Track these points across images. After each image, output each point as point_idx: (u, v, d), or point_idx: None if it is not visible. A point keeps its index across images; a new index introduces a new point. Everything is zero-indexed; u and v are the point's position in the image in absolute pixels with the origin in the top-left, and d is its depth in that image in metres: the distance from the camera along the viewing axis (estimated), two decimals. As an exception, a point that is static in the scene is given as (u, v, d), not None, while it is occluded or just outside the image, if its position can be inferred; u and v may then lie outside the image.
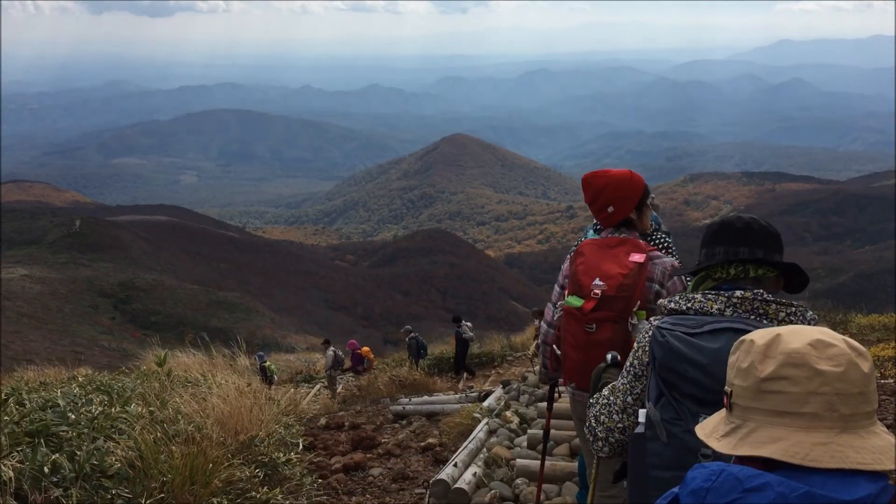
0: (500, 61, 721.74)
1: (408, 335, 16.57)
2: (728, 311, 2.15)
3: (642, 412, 2.19)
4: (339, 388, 15.99)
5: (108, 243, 69.08)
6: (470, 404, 8.56)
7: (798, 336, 1.43)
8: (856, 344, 1.42)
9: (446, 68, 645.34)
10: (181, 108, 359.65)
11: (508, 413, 7.67)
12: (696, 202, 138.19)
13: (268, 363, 16.19)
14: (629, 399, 2.41)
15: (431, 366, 15.96)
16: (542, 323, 3.72)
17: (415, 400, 9.76)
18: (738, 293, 2.18)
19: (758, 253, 2.32)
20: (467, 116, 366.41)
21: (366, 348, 16.70)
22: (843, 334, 1.41)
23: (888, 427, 5.42)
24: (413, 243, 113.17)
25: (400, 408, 9.34)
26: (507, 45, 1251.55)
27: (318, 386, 17.05)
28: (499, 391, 9.18)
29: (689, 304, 2.24)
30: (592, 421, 2.55)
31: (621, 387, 2.44)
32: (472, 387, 12.36)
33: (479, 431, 6.93)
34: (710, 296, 2.22)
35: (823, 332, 1.44)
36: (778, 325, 2.02)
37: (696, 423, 1.85)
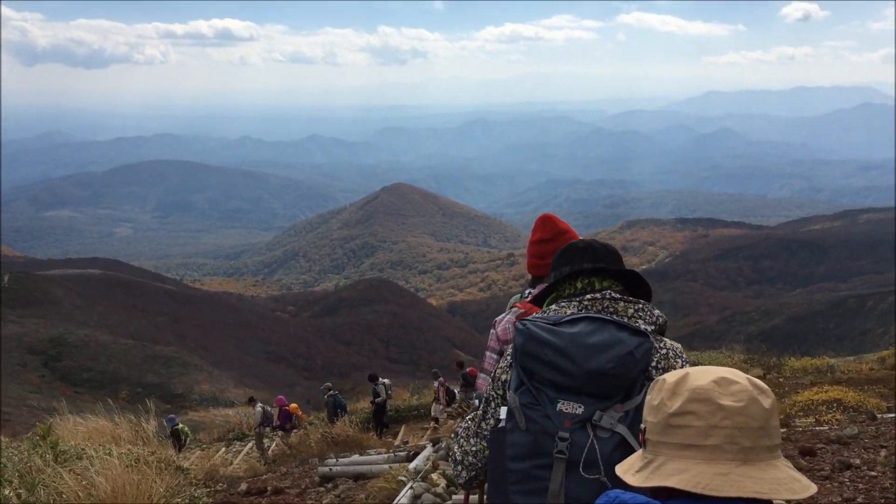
0: (440, 111, 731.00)
1: (326, 392, 16.30)
2: (582, 314, 2.21)
3: (503, 409, 2.20)
4: (273, 446, 15.67)
5: (39, 298, 66.93)
6: (398, 465, 8.25)
7: (705, 374, 1.53)
8: (759, 382, 1.51)
9: (387, 118, 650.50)
10: (117, 159, 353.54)
11: (435, 475, 7.29)
12: (633, 248, 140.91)
13: (180, 426, 15.57)
14: (483, 424, 2.42)
15: (367, 420, 15.69)
16: (475, 395, 3.50)
17: (342, 460, 9.38)
18: (588, 296, 2.29)
19: (600, 266, 2.42)
20: (408, 166, 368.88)
21: (294, 405, 16.27)
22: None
23: (823, 479, 5.48)
24: (355, 293, 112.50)
25: (327, 469, 8.96)
26: (446, 95, 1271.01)
27: (249, 444, 16.65)
28: (428, 450, 8.80)
29: (544, 314, 2.31)
30: (455, 447, 2.56)
31: (480, 412, 2.46)
32: (406, 442, 12.15)
33: (403, 497, 6.62)
34: (563, 303, 2.32)
35: (729, 371, 1.53)
36: (627, 321, 2.18)
37: (554, 409, 1.97)
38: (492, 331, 3.38)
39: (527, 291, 4.00)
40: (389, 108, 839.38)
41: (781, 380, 12.33)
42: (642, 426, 1.59)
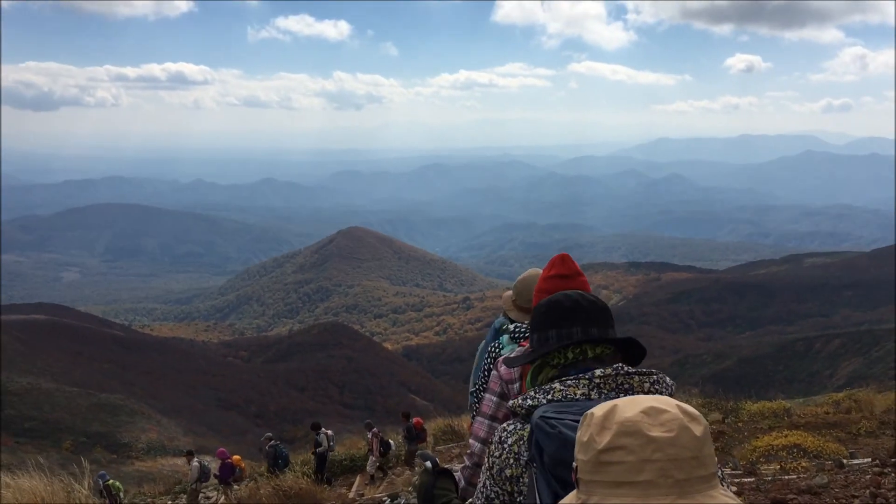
0: (395, 156, 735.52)
1: (267, 443, 15.65)
2: (594, 394, 2.02)
3: None
4: (218, 501, 15.15)
5: (-20, 345, 64.73)
6: None
7: (633, 405, 1.45)
8: (689, 409, 1.45)
9: (342, 162, 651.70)
10: (64, 202, 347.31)
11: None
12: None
13: (111, 481, 14.91)
14: None
15: (346, 469, 15.33)
16: (472, 444, 3.22)
17: None
18: (598, 372, 2.07)
19: (592, 332, 2.22)
20: (363, 210, 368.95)
21: (237, 457, 15.51)
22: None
23: None
24: (309, 337, 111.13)
25: None
26: (401, 140, 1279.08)
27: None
28: None
29: (549, 396, 2.07)
30: None
31: None
32: (363, 494, 11.66)
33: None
34: (569, 382, 2.08)
35: (658, 400, 1.46)
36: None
37: None
38: (493, 371, 3.20)
39: (496, 346, 3.91)
40: (345, 152, 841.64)
41: (740, 424, 12.30)
42: (574, 464, 1.52)
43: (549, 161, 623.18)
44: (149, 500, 16.57)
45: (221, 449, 16.35)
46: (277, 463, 15.03)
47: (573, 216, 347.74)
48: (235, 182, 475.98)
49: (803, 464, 8.27)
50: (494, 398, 3.15)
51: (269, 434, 16.47)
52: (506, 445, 2.12)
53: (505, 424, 2.18)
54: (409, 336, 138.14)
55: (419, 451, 2.54)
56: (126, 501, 15.74)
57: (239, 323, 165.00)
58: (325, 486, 13.47)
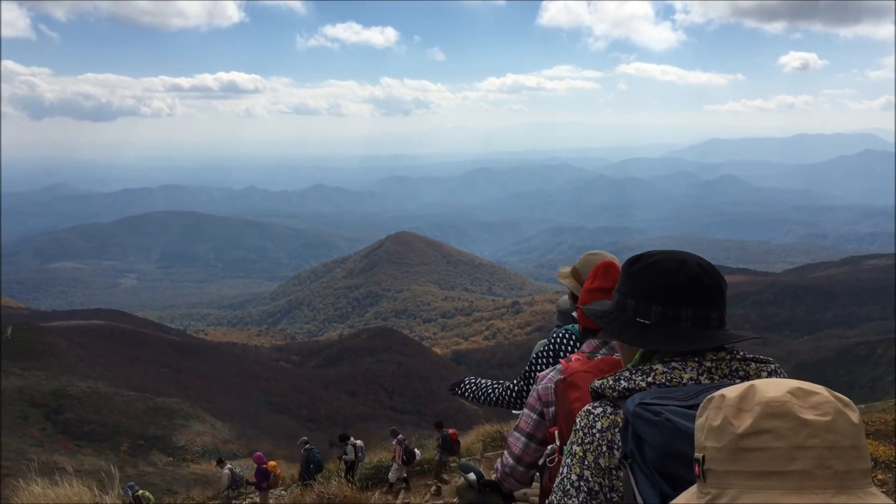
0: (443, 160, 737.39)
1: (303, 447, 15.62)
2: (704, 379, 1.71)
3: None
4: None
5: (41, 350, 66.64)
6: None
7: (775, 385, 1.26)
8: (838, 394, 1.25)
9: (390, 168, 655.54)
10: (122, 210, 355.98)
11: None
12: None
13: (140, 492, 15.01)
14: None
15: (369, 476, 15.12)
16: (506, 458, 2.98)
17: None
18: (709, 356, 1.75)
19: (711, 318, 1.83)
20: (412, 214, 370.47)
21: (272, 462, 15.34)
22: None
23: None
24: (359, 342, 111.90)
25: None
26: (449, 144, 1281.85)
27: None
28: None
29: (649, 378, 1.75)
30: None
31: None
32: (408, 503, 11.50)
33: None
34: (674, 364, 1.76)
35: (801, 382, 1.27)
36: None
37: None
38: (533, 387, 2.96)
39: (559, 334, 3.70)
40: (393, 158, 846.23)
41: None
42: (697, 455, 1.28)
43: (598, 163, 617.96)
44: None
45: (258, 453, 16.40)
46: (310, 468, 15.01)
47: (623, 219, 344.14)
48: (286, 189, 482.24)
49: (879, 476, 7.87)
50: (534, 416, 2.89)
51: (304, 438, 16.50)
52: (595, 431, 1.80)
53: (591, 406, 1.85)
54: (458, 340, 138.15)
55: (461, 462, 2.27)
56: None
57: (290, 328, 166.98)
58: (370, 493, 13.44)
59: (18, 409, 49.50)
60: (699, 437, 1.30)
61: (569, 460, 1.83)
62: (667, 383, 1.72)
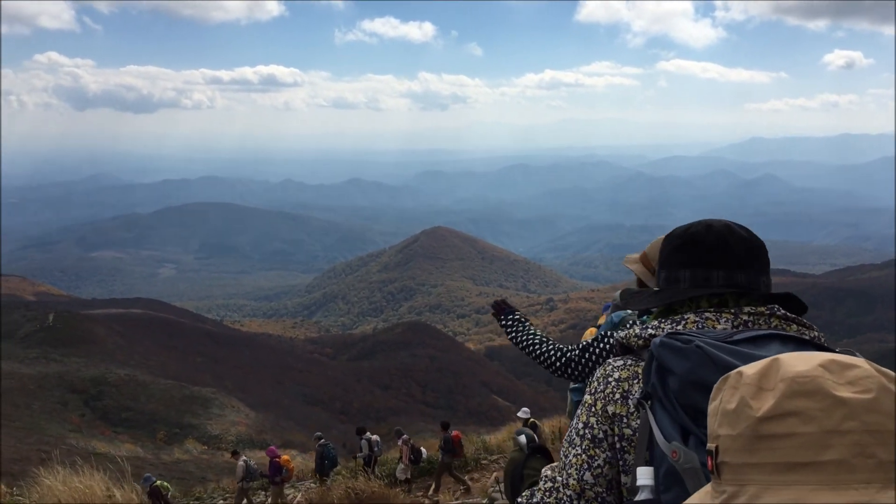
0: (480, 156, 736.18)
1: (317, 442, 15.54)
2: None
3: (644, 471, 1.48)
4: (268, 502, 15.17)
5: (82, 337, 67.91)
6: None
7: (803, 359, 1.02)
8: (882, 367, 1.04)
9: (427, 162, 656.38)
10: (162, 201, 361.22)
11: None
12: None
13: (158, 482, 14.98)
14: (587, 476, 1.71)
15: (423, 471, 14.95)
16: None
17: None
18: (746, 308, 1.64)
19: (738, 278, 1.72)
20: (447, 210, 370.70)
21: (286, 457, 15.28)
22: None
23: None
24: (393, 336, 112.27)
25: None
26: (486, 140, 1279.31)
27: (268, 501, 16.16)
28: None
29: (678, 327, 1.66)
30: None
31: (574, 459, 1.73)
32: (437, 501, 11.14)
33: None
34: (708, 314, 1.65)
35: (836, 354, 1.05)
36: None
37: None
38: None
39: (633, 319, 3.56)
40: (430, 153, 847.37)
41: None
42: (710, 446, 1.07)
43: (636, 161, 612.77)
44: (194, 498, 16.64)
45: (271, 447, 16.35)
46: (324, 463, 14.97)
47: (661, 217, 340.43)
48: (323, 182, 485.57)
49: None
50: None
51: (319, 434, 16.44)
52: (611, 380, 1.72)
53: (613, 360, 1.78)
54: (491, 336, 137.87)
55: (517, 429, 2.06)
56: (175, 501, 15.95)
57: (325, 320, 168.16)
58: (396, 489, 13.23)
59: (58, 395, 50.51)
60: (712, 424, 1.09)
61: (579, 411, 1.79)
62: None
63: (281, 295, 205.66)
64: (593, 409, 1.73)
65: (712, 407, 1.09)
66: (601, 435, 1.69)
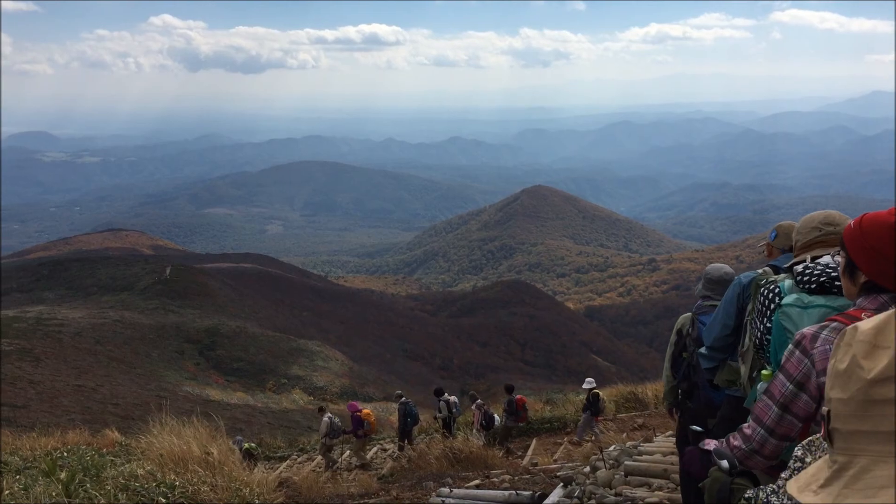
0: (582, 113, 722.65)
1: (398, 400, 15.62)
2: None
3: None
4: (343, 457, 15.63)
5: (196, 290, 71.10)
6: None
7: None
8: None
9: (527, 120, 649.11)
10: (269, 160, 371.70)
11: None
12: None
13: (248, 445, 15.49)
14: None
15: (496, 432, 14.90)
16: (751, 429, 2.42)
17: (457, 492, 7.54)
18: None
19: None
20: (548, 168, 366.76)
21: (367, 410, 15.47)
22: None
23: None
24: (492, 294, 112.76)
25: (440, 500, 7.35)
26: (588, 97, 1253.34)
27: (346, 454, 16.57)
28: (556, 494, 6.56)
29: None
30: None
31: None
32: (536, 464, 10.91)
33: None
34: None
35: None
36: None
37: None
38: (795, 350, 2.28)
39: (769, 288, 3.25)
40: (531, 111, 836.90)
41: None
42: (824, 409, 1.01)
43: (746, 117, 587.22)
44: (298, 449, 17.07)
45: (353, 402, 16.61)
46: (407, 421, 15.05)
47: (770, 176, 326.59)
48: (424, 141, 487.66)
49: None
50: (790, 385, 2.29)
51: (399, 392, 16.60)
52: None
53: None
54: (591, 296, 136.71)
55: (715, 448, 1.96)
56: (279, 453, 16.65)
57: (425, 277, 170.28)
58: (495, 450, 12.64)
59: (176, 345, 53.23)
60: (827, 387, 1.01)
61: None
62: None
63: (383, 252, 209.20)
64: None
65: (829, 366, 1.02)
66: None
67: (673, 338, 4.97)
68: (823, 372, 2.14)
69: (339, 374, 53.74)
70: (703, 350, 4.25)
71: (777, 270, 3.50)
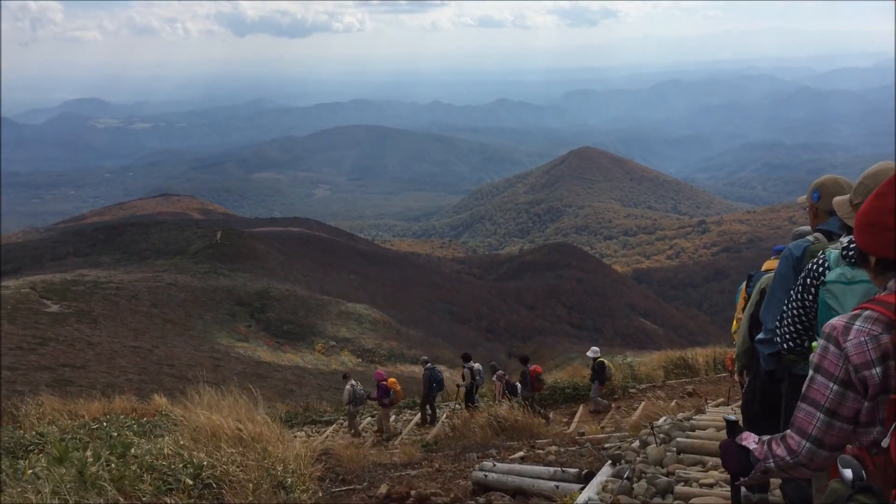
0: (630, 73, 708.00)
1: (424, 366, 15.60)
2: None
3: None
4: (364, 424, 15.84)
5: (246, 254, 72.28)
6: (567, 484, 6.17)
7: None
8: None
9: (575, 81, 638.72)
10: (316, 124, 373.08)
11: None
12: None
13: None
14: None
15: (545, 398, 14.83)
16: (795, 441, 2.10)
17: (500, 466, 7.17)
18: None
19: None
20: (595, 129, 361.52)
21: (392, 379, 15.36)
22: None
23: None
24: (539, 257, 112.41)
25: (482, 475, 6.93)
26: (636, 56, 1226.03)
27: (368, 420, 16.79)
28: (604, 473, 6.18)
29: None
30: None
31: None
32: (583, 433, 10.53)
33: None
34: None
35: None
36: None
37: None
38: (829, 345, 2.03)
39: (817, 261, 3.08)
40: (578, 71, 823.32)
41: None
42: None
43: (800, 74, 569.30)
44: (344, 413, 17.18)
45: (379, 371, 16.64)
46: (432, 386, 15.07)
47: (826, 135, 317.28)
48: (470, 103, 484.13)
49: None
50: (833, 385, 2.00)
51: (425, 358, 16.61)
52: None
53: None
54: (639, 259, 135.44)
55: (841, 455, 1.74)
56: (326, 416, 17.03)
57: (472, 241, 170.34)
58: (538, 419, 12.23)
59: (227, 307, 54.33)
60: None
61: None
62: None
63: (429, 215, 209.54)
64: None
65: None
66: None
67: (755, 297, 4.69)
68: (861, 367, 1.93)
69: (387, 337, 54.36)
70: (761, 335, 3.80)
71: (830, 236, 3.32)
